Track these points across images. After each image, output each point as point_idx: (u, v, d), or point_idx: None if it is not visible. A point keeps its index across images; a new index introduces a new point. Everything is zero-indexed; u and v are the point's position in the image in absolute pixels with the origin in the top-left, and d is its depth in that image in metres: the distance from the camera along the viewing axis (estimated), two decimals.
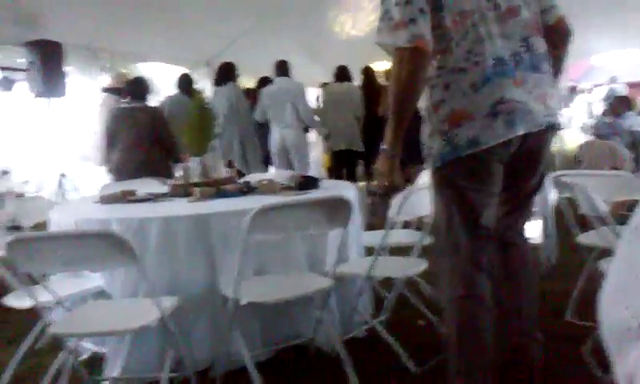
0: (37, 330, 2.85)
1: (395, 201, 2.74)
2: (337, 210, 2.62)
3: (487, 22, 1.99)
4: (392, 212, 2.75)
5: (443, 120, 1.99)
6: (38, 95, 6.96)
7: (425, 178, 3.71)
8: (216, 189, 3.22)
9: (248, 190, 3.25)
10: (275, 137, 6.35)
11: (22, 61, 7.09)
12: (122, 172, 5.08)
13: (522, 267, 2.26)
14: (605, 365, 2.43)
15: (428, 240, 3.25)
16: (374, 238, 3.30)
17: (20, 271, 2.19)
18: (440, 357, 2.80)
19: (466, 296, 2.05)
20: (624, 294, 0.44)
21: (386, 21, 1.93)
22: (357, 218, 3.21)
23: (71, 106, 7.61)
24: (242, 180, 3.72)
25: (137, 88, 5.22)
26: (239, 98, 6.25)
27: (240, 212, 2.54)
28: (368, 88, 6.92)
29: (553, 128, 2.10)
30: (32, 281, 2.53)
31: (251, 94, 6.80)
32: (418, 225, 4.17)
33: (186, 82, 6.36)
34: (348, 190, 3.18)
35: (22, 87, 7.46)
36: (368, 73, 7.12)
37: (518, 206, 2.25)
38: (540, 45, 2.08)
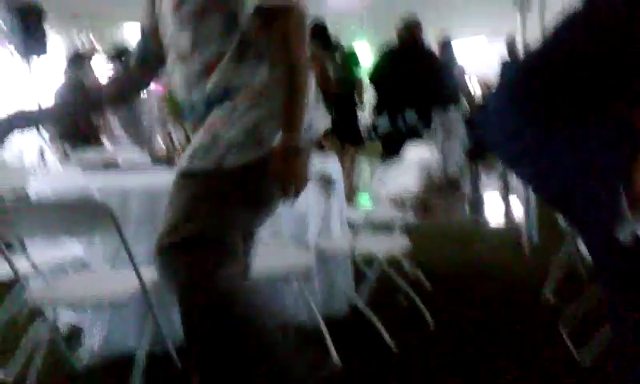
0: (13, 299, 2.81)
1: (376, 176, 2.72)
2: (320, 183, 2.59)
3: None
4: (374, 187, 2.74)
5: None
6: (18, 55, 6.83)
7: (408, 155, 3.70)
8: None
9: None
10: None
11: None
12: None
13: None
14: (580, 343, 2.47)
15: (411, 218, 3.25)
16: (357, 214, 3.30)
17: None
18: (420, 335, 2.82)
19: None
20: None
21: None
22: (340, 193, 3.19)
23: (53, 70, 7.46)
24: None
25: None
26: None
27: None
28: None
29: None
30: (9, 249, 2.48)
31: None
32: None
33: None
34: (331, 164, 3.15)
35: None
36: None
37: None
38: None
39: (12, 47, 6.77)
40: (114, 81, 2.14)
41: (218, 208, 1.63)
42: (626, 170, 1.43)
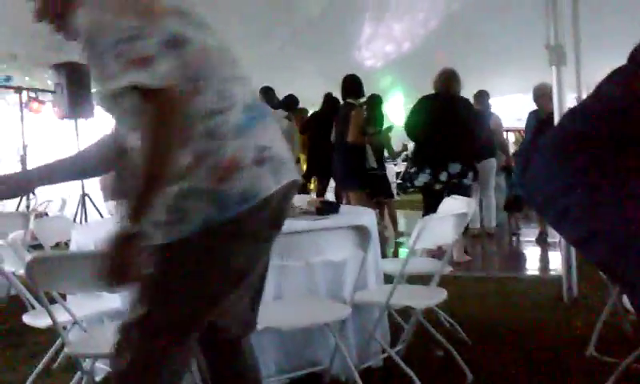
0: (53, 350, 2.86)
1: (415, 229, 2.72)
2: (356, 236, 2.60)
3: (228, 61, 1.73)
4: (411, 240, 2.73)
5: (207, 176, 1.58)
6: (64, 116, 7.06)
7: (447, 206, 3.69)
8: None
9: None
10: None
11: (51, 83, 7.27)
12: None
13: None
14: None
15: (448, 269, 3.22)
16: (393, 265, 3.28)
17: (39, 290, 2.19)
18: None
19: None
20: None
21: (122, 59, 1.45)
22: (376, 245, 3.18)
23: (98, 128, 7.73)
24: None
25: None
26: None
27: None
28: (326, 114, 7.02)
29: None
30: (50, 300, 2.54)
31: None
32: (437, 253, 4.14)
33: None
34: (367, 216, 3.16)
35: (50, 108, 7.61)
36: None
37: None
38: None
39: (59, 109, 7.02)
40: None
41: (153, 290, 1.61)
42: None
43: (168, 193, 1.56)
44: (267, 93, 6.71)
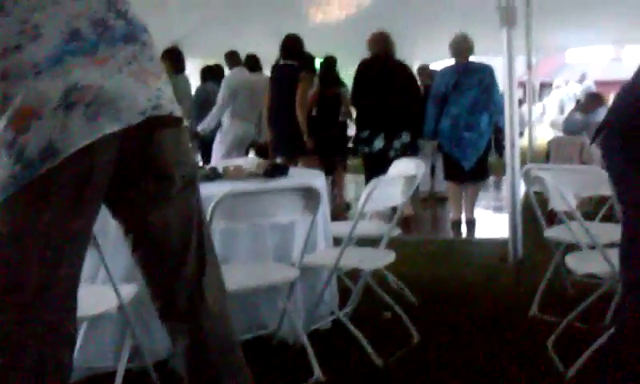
0: None
1: (364, 191, 2.70)
2: (305, 198, 2.57)
3: None
4: (360, 202, 2.71)
5: (7, 125, 1.35)
6: None
7: (397, 168, 3.68)
8: None
9: (214, 175, 3.17)
10: (238, 131, 6.17)
11: None
12: None
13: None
14: (567, 360, 2.44)
15: (396, 231, 3.23)
16: (342, 228, 3.26)
17: None
18: (405, 350, 2.79)
19: None
20: None
21: None
22: (325, 208, 3.16)
23: None
24: (208, 166, 3.64)
25: None
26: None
27: (204, 198, 2.45)
28: None
29: (165, 120, 1.52)
30: None
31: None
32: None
33: None
34: (316, 179, 3.13)
35: None
36: None
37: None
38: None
39: None
40: None
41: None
42: None
43: None
44: (231, 57, 6.48)
